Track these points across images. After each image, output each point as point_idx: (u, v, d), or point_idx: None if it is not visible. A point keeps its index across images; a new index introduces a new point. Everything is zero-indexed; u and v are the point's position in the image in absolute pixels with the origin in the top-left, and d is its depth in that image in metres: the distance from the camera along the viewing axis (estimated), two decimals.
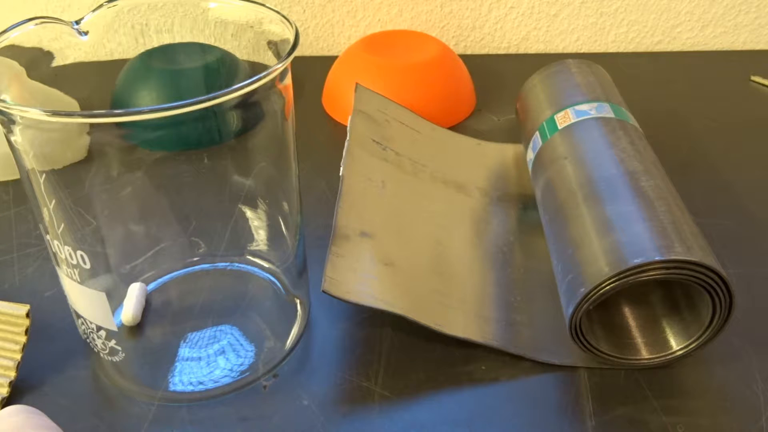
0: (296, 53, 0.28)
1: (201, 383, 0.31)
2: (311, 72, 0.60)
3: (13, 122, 0.25)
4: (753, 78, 0.59)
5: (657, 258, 0.28)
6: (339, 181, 0.43)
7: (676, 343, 0.32)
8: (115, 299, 0.33)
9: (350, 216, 0.35)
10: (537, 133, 0.41)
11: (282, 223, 0.34)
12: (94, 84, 0.35)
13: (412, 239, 0.37)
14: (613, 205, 0.32)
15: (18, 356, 0.31)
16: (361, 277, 0.32)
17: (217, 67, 0.35)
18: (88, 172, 0.28)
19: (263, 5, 0.30)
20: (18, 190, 0.45)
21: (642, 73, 0.60)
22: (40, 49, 0.29)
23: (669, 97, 0.56)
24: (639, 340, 0.32)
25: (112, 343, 0.31)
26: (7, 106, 0.23)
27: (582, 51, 0.66)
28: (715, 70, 0.61)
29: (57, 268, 0.29)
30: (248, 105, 0.27)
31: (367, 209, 0.36)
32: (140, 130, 0.26)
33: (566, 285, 0.31)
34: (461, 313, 0.34)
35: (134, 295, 0.34)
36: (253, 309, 0.36)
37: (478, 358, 0.33)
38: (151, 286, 0.36)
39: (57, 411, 0.30)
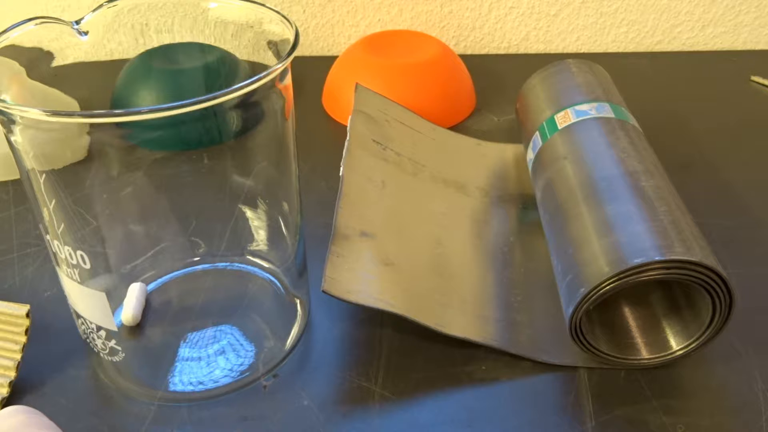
0: (296, 53, 0.28)
1: (201, 383, 0.31)
2: (311, 72, 0.60)
3: (13, 122, 0.25)
4: (753, 78, 0.59)
5: (657, 258, 0.28)
6: (339, 181, 0.43)
7: (676, 343, 0.32)
8: (115, 299, 0.33)
9: (350, 216, 0.35)
10: (537, 133, 0.41)
11: (282, 223, 0.34)
12: (94, 84, 0.35)
13: (412, 239, 0.37)
14: (613, 205, 0.32)
15: (18, 356, 0.31)
16: (361, 277, 0.32)
17: (217, 67, 0.35)
18: (88, 172, 0.28)
19: (263, 5, 0.30)
20: (18, 190, 0.45)
21: (642, 73, 0.60)
22: (40, 49, 0.29)
23: (669, 97, 0.56)
24: (639, 340, 0.32)
25: (112, 343, 0.31)
26: (7, 106, 0.23)
27: (582, 51, 0.66)
28: (715, 70, 0.61)
29: (57, 268, 0.29)
30: (248, 105, 0.27)
31: (367, 209, 0.36)
32: (140, 130, 0.26)
33: (566, 285, 0.31)
34: (461, 313, 0.34)
35: (134, 295, 0.34)
36: (253, 309, 0.36)
37: (478, 358, 0.33)
38: (151, 286, 0.36)
39: (57, 411, 0.30)
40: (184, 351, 0.33)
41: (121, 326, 0.34)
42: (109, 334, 0.30)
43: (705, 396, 0.31)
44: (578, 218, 0.33)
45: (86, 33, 0.30)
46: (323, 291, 0.30)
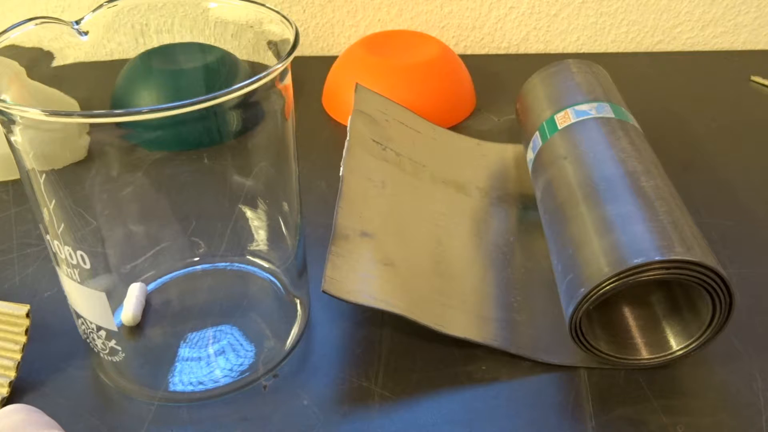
0: (296, 53, 0.28)
1: (201, 383, 0.31)
2: (311, 72, 0.60)
3: (13, 122, 0.25)
4: (753, 78, 0.59)
5: (657, 258, 0.28)
6: (339, 181, 0.43)
7: (676, 343, 0.32)
8: (115, 299, 0.33)
9: (350, 216, 0.35)
10: (537, 133, 0.41)
11: (282, 223, 0.34)
12: (94, 84, 0.35)
13: (412, 239, 0.37)
14: (613, 205, 0.32)
15: (18, 356, 0.31)
16: (361, 277, 0.32)
17: (217, 67, 0.35)
18: (88, 172, 0.28)
19: (263, 5, 0.30)
20: (18, 190, 0.45)
21: (642, 73, 0.60)
22: (40, 49, 0.29)
23: (669, 97, 0.56)
24: (639, 340, 0.32)
25: (112, 343, 0.31)
26: (7, 106, 0.23)
27: (582, 51, 0.66)
28: (715, 70, 0.61)
29: (57, 268, 0.29)
30: (248, 105, 0.27)
31: (367, 209, 0.36)
32: (140, 130, 0.26)
33: (566, 285, 0.31)
34: (461, 313, 0.34)
35: (134, 295, 0.34)
36: (253, 309, 0.36)
37: (478, 358, 0.33)
38: (151, 286, 0.36)
39: (57, 411, 0.30)
40: (184, 351, 0.33)
41: (121, 326, 0.34)
42: (109, 334, 0.30)
43: (705, 396, 0.31)
44: (578, 218, 0.33)
45: (86, 33, 0.30)
46: (323, 291, 0.30)
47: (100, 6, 0.30)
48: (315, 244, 0.40)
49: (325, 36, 0.64)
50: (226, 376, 0.32)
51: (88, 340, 0.31)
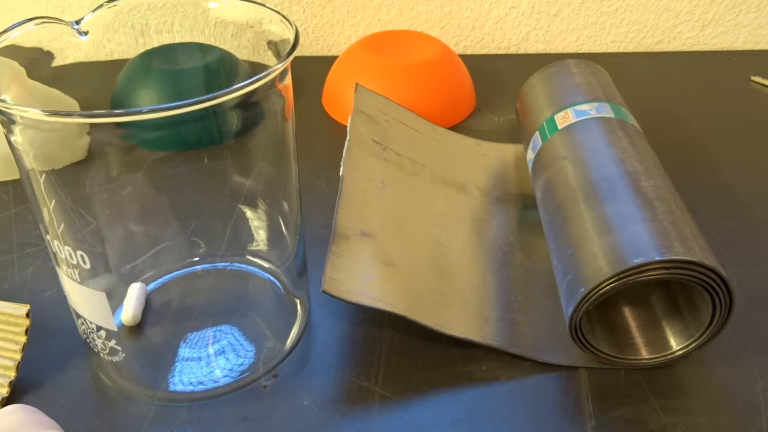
0: (296, 53, 0.28)
1: (201, 383, 0.31)
2: (311, 72, 0.60)
3: (13, 122, 0.25)
4: (753, 78, 0.59)
5: (657, 258, 0.28)
6: (339, 181, 0.43)
7: (676, 343, 0.32)
8: (115, 299, 0.33)
9: (350, 216, 0.35)
10: (537, 133, 0.41)
11: (282, 223, 0.34)
12: (94, 84, 0.35)
13: (412, 239, 0.37)
14: (613, 205, 0.32)
15: (18, 356, 0.31)
16: (361, 277, 0.32)
17: (217, 67, 0.35)
18: (88, 172, 0.28)
19: (263, 5, 0.30)
20: (18, 190, 0.45)
21: (642, 73, 0.60)
22: (40, 49, 0.29)
23: (669, 97, 0.56)
24: (639, 340, 0.32)
25: (112, 343, 0.31)
26: (7, 106, 0.23)
27: (582, 51, 0.66)
28: (715, 70, 0.61)
29: (57, 268, 0.29)
30: (248, 105, 0.27)
31: (367, 209, 0.36)
32: (140, 130, 0.26)
33: (566, 285, 0.31)
34: (461, 313, 0.34)
35: (134, 295, 0.34)
36: (253, 309, 0.36)
37: (478, 358, 0.33)
38: (151, 286, 0.36)
39: (57, 411, 0.30)
40: (184, 351, 0.33)
41: (121, 326, 0.34)
42: (109, 334, 0.30)
43: (705, 396, 0.31)
44: (578, 218, 0.33)
45: (86, 33, 0.30)
46: (323, 291, 0.30)
47: (100, 6, 0.30)
48: (315, 244, 0.40)
49: (325, 36, 0.64)
50: (226, 376, 0.32)
51: (88, 340, 0.31)
